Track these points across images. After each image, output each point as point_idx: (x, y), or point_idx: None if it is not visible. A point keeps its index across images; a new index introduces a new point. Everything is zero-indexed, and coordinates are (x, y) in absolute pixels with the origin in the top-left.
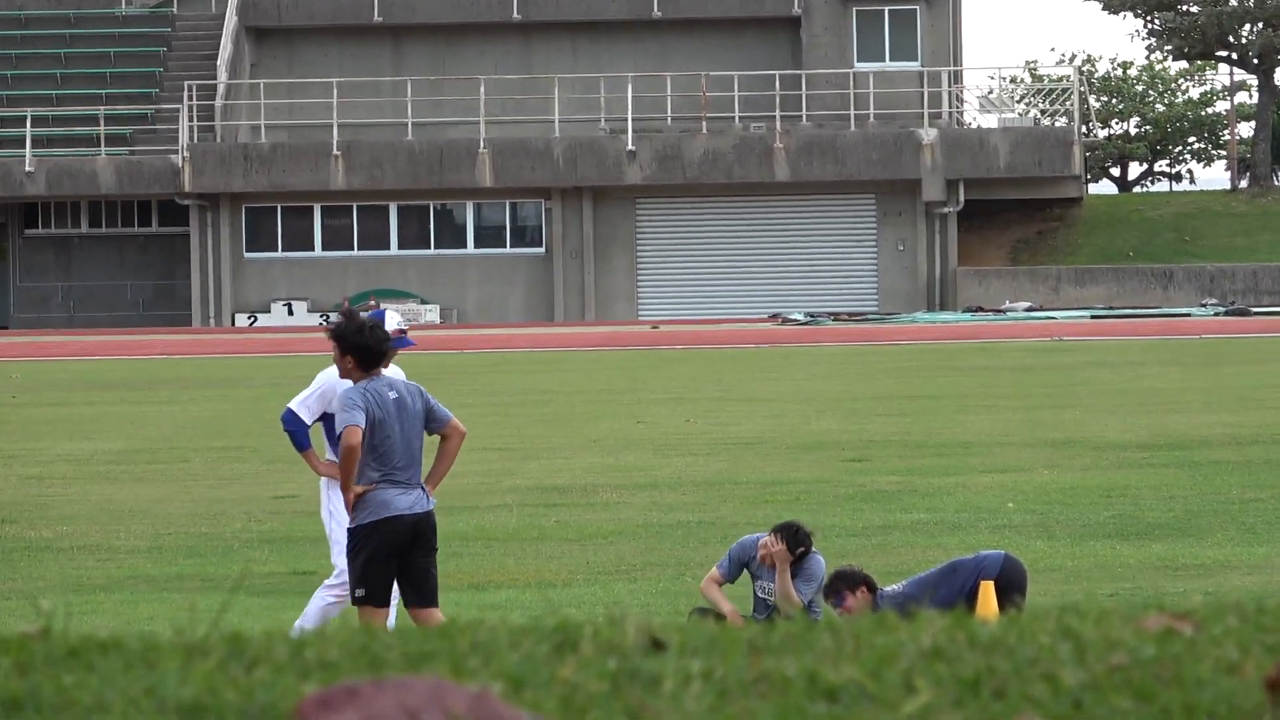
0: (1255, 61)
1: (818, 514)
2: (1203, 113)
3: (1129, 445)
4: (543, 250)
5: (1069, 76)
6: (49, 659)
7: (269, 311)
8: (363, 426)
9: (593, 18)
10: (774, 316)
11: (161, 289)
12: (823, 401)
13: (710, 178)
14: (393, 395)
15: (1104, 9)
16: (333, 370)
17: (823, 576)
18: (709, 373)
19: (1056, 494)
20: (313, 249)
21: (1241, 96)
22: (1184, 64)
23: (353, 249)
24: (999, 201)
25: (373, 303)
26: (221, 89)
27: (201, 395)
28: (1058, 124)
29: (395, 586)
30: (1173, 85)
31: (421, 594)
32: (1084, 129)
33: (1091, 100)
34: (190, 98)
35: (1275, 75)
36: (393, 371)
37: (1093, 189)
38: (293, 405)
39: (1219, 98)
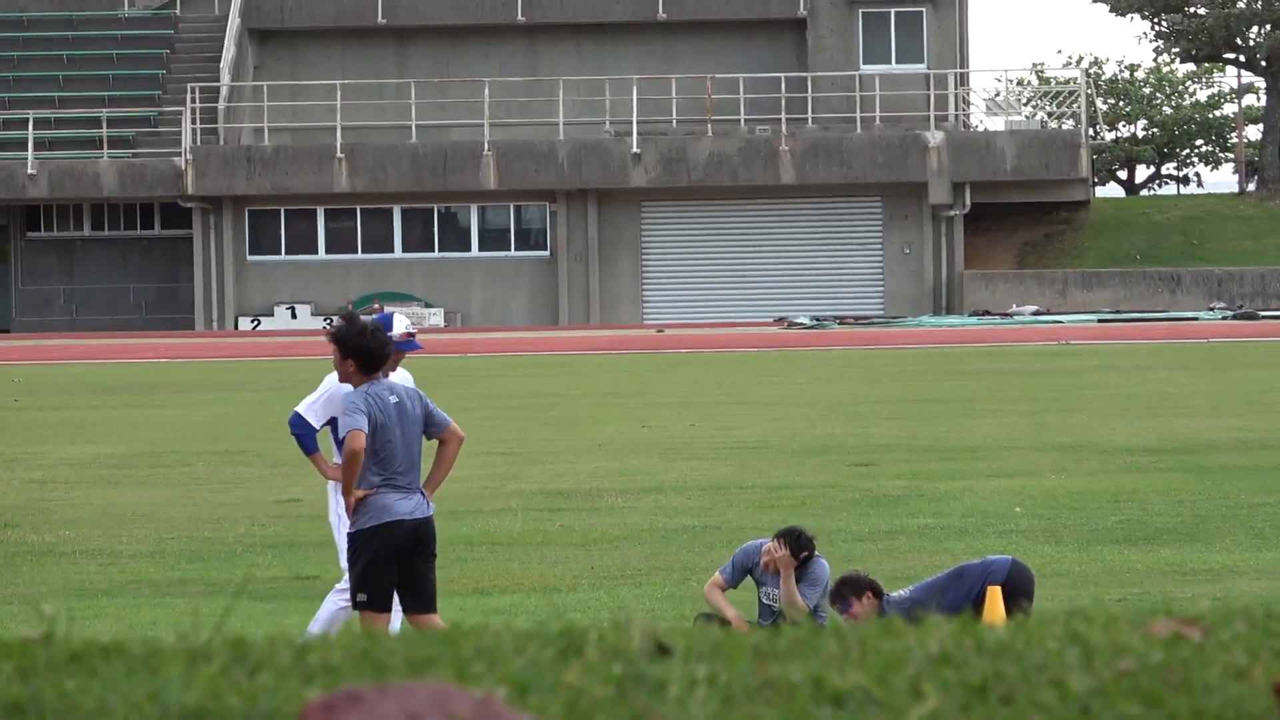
0: (1263, 64)
1: (823, 519)
2: (1210, 115)
3: (1137, 450)
4: (547, 253)
5: (1076, 79)
6: (51, 664)
7: (272, 315)
8: (366, 430)
9: (598, 20)
10: (779, 320)
11: (164, 292)
12: (828, 405)
13: (715, 180)
14: (393, 399)
15: (1111, 11)
16: None
17: (827, 581)
18: (714, 377)
19: (1064, 499)
20: (316, 252)
21: (1249, 99)
22: (1192, 66)
23: (356, 252)
24: (1005, 205)
25: (377, 306)
26: (224, 91)
27: (204, 399)
28: (1065, 127)
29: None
30: (1180, 88)
31: (420, 600)
32: (1091, 132)
33: (1099, 103)
34: (193, 100)
35: None
36: (401, 375)
37: (1100, 192)
38: (300, 409)
39: (1227, 100)
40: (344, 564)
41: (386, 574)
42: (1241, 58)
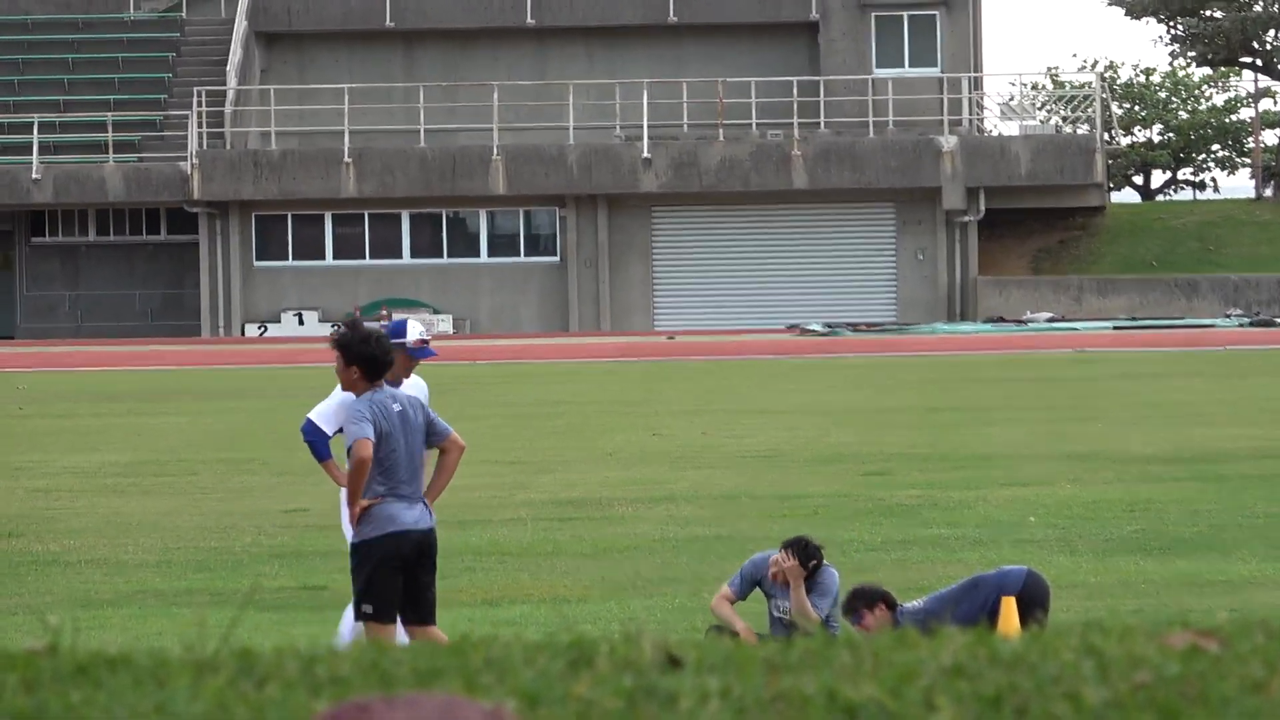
0: None
1: (836, 528)
2: (1227, 120)
3: (1153, 459)
4: (557, 259)
5: (1091, 83)
6: (57, 675)
7: (279, 321)
8: (373, 439)
9: (608, 23)
10: (792, 327)
11: (170, 298)
12: (841, 413)
13: (727, 185)
14: (397, 408)
15: (1127, 15)
16: None
17: (837, 590)
18: (725, 384)
19: (1079, 508)
20: (323, 258)
21: (1266, 103)
22: (1208, 70)
23: (364, 258)
24: (1020, 210)
25: (384, 312)
26: (231, 95)
27: (211, 406)
28: (1080, 131)
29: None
30: (1196, 92)
31: (420, 611)
32: (1106, 136)
33: (1114, 107)
34: (199, 104)
35: None
36: (414, 382)
37: (1115, 197)
38: (312, 415)
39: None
40: None
41: (392, 585)
42: (1258, 61)
